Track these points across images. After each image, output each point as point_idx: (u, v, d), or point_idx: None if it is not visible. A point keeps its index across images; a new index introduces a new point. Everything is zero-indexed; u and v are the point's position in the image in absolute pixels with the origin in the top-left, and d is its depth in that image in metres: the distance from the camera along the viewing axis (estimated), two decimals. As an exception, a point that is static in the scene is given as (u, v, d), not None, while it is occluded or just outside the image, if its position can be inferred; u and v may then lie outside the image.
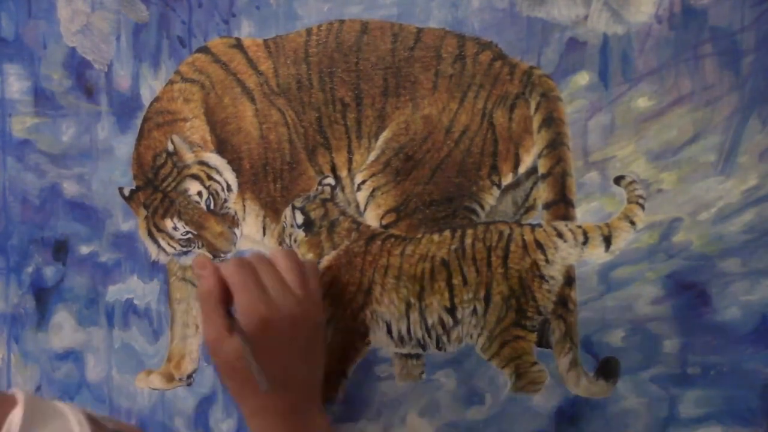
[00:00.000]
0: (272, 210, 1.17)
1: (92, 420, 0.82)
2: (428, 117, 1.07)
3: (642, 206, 0.99)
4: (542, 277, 1.03)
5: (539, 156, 1.03)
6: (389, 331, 1.10)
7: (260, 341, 0.95)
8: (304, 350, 1.01)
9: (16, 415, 0.75)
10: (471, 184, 1.06)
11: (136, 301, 1.27)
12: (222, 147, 1.19)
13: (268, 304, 0.96)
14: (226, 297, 0.98)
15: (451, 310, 1.07)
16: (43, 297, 1.35)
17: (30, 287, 1.35)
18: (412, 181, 1.08)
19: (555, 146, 1.02)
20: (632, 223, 0.99)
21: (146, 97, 1.23)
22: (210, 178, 1.19)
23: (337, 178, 1.12)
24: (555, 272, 1.03)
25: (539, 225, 1.04)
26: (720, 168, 0.94)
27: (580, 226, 1.02)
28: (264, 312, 0.96)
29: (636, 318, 0.99)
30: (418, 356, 1.10)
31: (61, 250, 1.32)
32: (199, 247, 1.21)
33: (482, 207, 1.06)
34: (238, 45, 1.17)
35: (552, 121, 1.02)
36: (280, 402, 0.98)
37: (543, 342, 1.04)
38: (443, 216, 1.07)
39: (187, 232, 1.20)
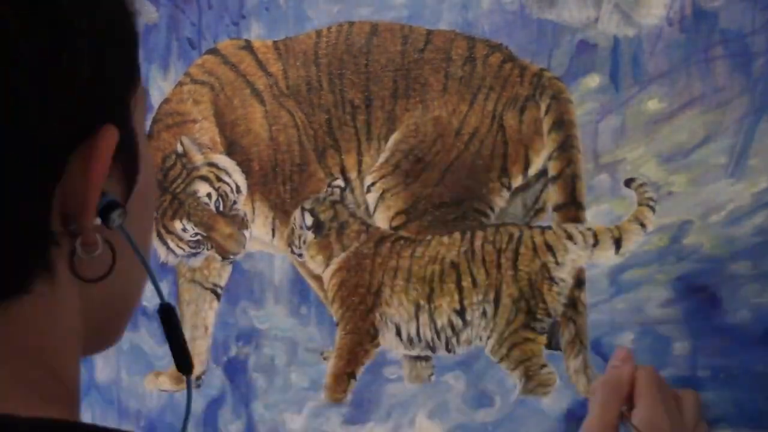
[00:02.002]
0: (282, 212, 1.17)
1: None
2: (438, 119, 1.07)
3: (652, 209, 0.98)
4: (552, 279, 1.03)
5: (549, 158, 1.03)
6: (398, 333, 1.10)
7: None
8: None
9: None
10: (481, 186, 1.06)
11: (145, 303, 1.27)
12: (231, 149, 1.19)
13: (671, 428, 0.91)
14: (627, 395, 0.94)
15: (461, 312, 1.07)
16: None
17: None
18: (422, 183, 1.08)
19: (565, 148, 1.02)
20: (642, 225, 0.99)
21: (156, 99, 1.23)
22: (219, 179, 1.19)
23: (346, 180, 1.12)
24: (565, 274, 1.03)
25: (549, 227, 1.04)
26: (731, 170, 0.94)
27: (590, 229, 1.02)
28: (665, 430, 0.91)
29: (646, 320, 0.99)
30: (427, 358, 1.10)
31: (70, 251, 1.32)
32: (208, 249, 1.21)
33: (492, 209, 1.06)
34: (248, 47, 1.17)
35: (562, 124, 1.02)
36: None
37: (553, 344, 1.04)
38: (453, 218, 1.07)
39: (197, 234, 1.20)
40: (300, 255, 1.15)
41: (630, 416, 0.90)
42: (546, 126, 1.03)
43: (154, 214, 0.69)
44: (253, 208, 1.19)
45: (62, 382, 0.59)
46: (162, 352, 1.27)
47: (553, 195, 1.03)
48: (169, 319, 0.66)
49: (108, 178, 0.57)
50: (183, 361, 0.66)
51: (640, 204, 0.99)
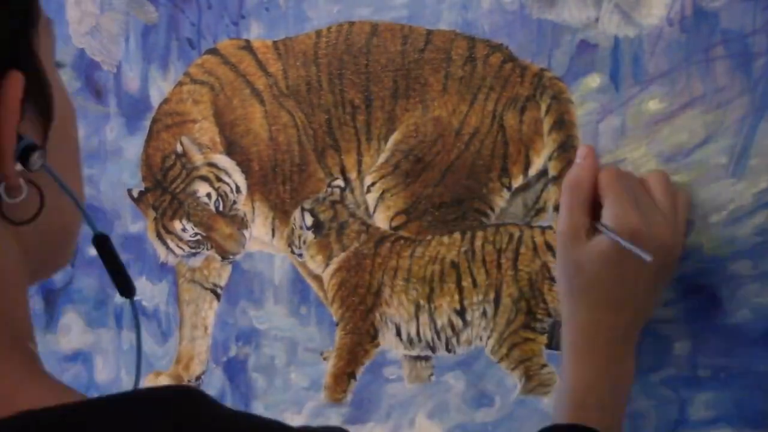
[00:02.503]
0: (281, 212, 1.17)
1: None
2: (438, 119, 1.07)
3: (653, 209, 0.98)
4: (552, 279, 1.03)
5: (550, 158, 1.03)
6: (398, 333, 1.11)
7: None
8: (655, 277, 0.93)
9: None
10: (481, 186, 1.06)
11: (145, 303, 1.27)
12: (231, 149, 1.19)
13: (640, 218, 0.90)
14: (592, 197, 0.94)
15: (461, 312, 1.07)
16: (52, 298, 1.35)
17: (38, 289, 1.36)
18: (422, 183, 1.08)
19: (566, 149, 1.02)
20: (643, 225, 0.99)
21: (155, 99, 1.23)
22: (219, 179, 1.19)
23: (346, 180, 1.12)
24: (565, 274, 1.03)
25: (549, 227, 1.04)
26: (731, 170, 0.94)
27: (590, 229, 1.02)
28: (636, 224, 0.89)
29: (646, 320, 0.99)
30: (427, 358, 1.11)
31: (69, 251, 1.32)
32: (207, 249, 1.21)
33: (492, 209, 1.06)
34: (248, 47, 1.17)
35: (563, 124, 1.02)
36: (612, 319, 0.93)
37: (553, 344, 1.04)
38: (453, 218, 1.07)
39: (196, 234, 1.20)
40: (300, 255, 1.15)
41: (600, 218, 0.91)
42: (546, 126, 1.03)
43: (78, 146, 0.71)
44: (253, 208, 1.19)
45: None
46: (162, 352, 1.27)
47: (553, 195, 1.03)
48: (104, 247, 0.69)
49: (22, 122, 0.59)
50: (124, 285, 0.70)
51: (640, 204, 0.99)
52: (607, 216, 0.91)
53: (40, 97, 0.62)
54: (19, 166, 0.59)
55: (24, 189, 0.60)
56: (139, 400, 0.58)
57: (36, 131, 0.62)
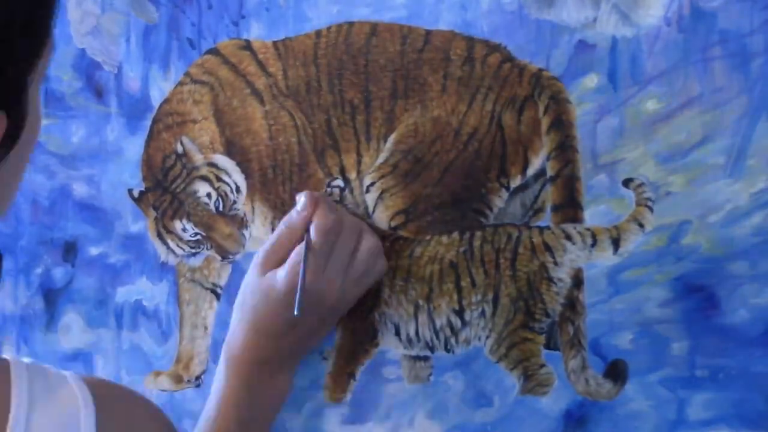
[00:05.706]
0: (281, 212, 1.17)
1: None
2: (437, 119, 1.07)
3: (651, 209, 0.99)
4: (550, 279, 1.03)
5: (548, 158, 1.03)
6: (397, 333, 1.11)
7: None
8: (318, 321, 1.06)
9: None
10: (479, 187, 1.06)
11: (145, 303, 1.27)
12: (231, 149, 1.19)
13: (317, 276, 1.02)
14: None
15: (460, 312, 1.07)
16: (52, 298, 1.35)
17: (39, 288, 1.36)
18: (421, 183, 1.08)
19: (564, 149, 1.02)
20: (641, 225, 0.99)
21: (156, 99, 1.24)
22: (219, 179, 1.19)
23: (346, 180, 1.12)
24: (563, 274, 1.03)
25: (548, 227, 1.04)
26: (729, 171, 0.94)
27: (588, 229, 1.02)
28: (311, 281, 1.01)
29: (644, 320, 0.99)
30: (426, 358, 1.11)
31: (70, 251, 1.32)
32: (208, 249, 1.21)
33: (491, 209, 1.06)
34: (248, 47, 1.18)
35: (561, 124, 1.02)
36: (270, 344, 1.06)
37: (551, 344, 1.04)
38: (452, 218, 1.08)
39: (196, 234, 1.20)
40: (299, 255, 1.15)
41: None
42: (544, 126, 1.03)
43: (30, 150, 0.80)
44: (253, 208, 1.19)
45: None
46: (162, 352, 1.27)
47: (551, 195, 1.03)
48: None
49: None
50: None
51: (638, 204, 0.99)
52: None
53: (14, 130, 0.70)
54: None
55: None
56: None
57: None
